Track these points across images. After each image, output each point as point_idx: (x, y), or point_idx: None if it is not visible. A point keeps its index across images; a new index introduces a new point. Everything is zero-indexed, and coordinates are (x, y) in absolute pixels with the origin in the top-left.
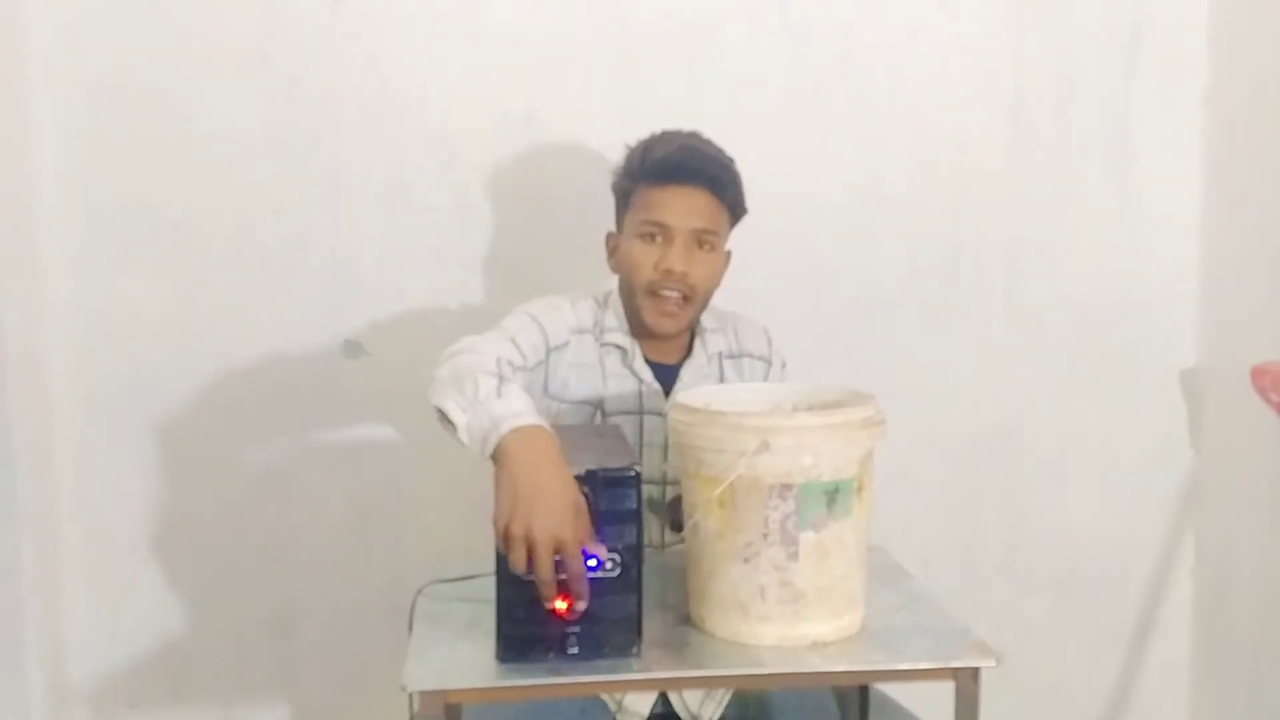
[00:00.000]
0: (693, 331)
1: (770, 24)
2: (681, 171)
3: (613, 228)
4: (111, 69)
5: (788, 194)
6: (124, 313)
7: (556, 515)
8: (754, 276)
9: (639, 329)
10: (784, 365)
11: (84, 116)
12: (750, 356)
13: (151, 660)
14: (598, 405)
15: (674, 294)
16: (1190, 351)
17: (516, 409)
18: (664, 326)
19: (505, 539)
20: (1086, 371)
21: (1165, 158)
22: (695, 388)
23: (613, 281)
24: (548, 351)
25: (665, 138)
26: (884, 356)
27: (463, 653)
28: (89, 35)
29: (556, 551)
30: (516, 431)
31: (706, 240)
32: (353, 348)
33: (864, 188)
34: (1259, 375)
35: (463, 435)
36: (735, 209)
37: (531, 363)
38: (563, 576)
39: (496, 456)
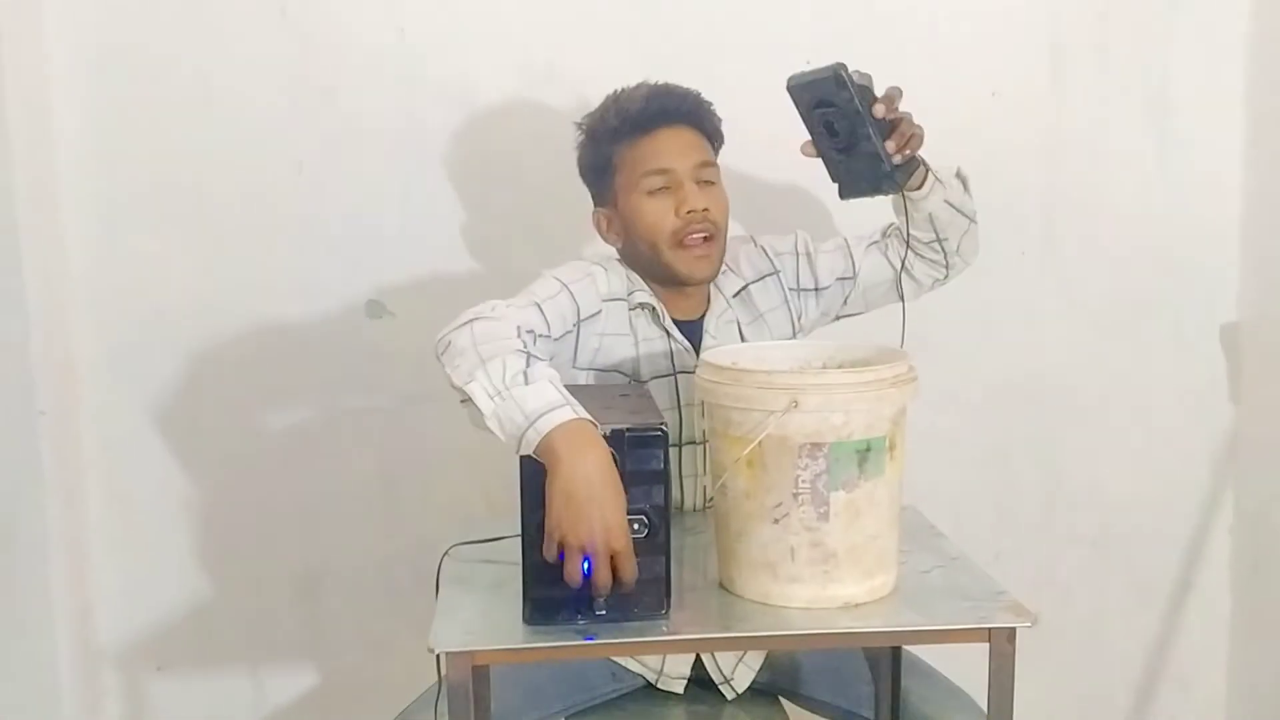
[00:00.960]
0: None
1: None
2: (663, 115)
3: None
4: (128, 25)
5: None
6: (145, 273)
7: (611, 523)
8: (785, 227)
9: (660, 288)
10: (808, 254)
11: (101, 75)
12: (752, 283)
13: (178, 622)
14: (630, 373)
15: (700, 235)
16: (1231, 305)
17: (550, 399)
18: (701, 271)
19: (562, 547)
20: (1125, 324)
21: (1207, 102)
22: (722, 345)
23: None
24: (578, 322)
25: (626, 94)
26: (917, 311)
27: (490, 615)
28: None
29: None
30: (561, 429)
31: (707, 176)
32: (375, 308)
33: None
34: None
35: (490, 423)
36: (715, 139)
37: (557, 333)
38: None
39: (540, 454)
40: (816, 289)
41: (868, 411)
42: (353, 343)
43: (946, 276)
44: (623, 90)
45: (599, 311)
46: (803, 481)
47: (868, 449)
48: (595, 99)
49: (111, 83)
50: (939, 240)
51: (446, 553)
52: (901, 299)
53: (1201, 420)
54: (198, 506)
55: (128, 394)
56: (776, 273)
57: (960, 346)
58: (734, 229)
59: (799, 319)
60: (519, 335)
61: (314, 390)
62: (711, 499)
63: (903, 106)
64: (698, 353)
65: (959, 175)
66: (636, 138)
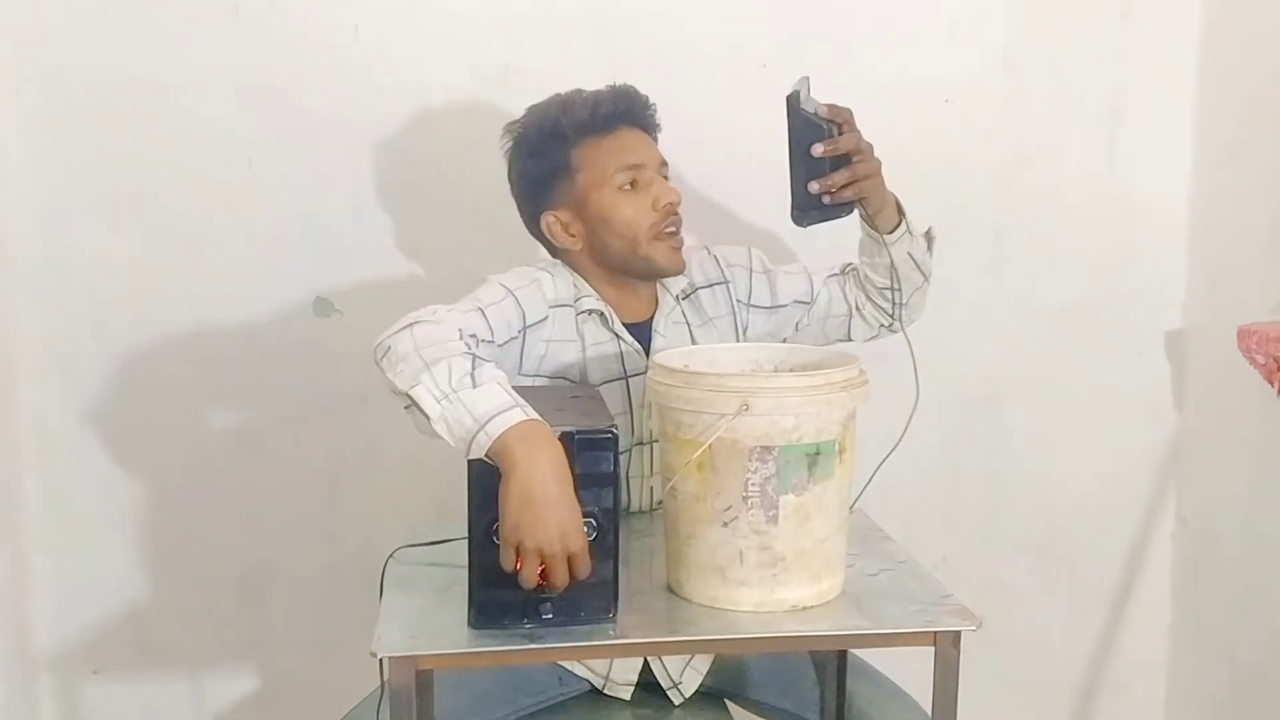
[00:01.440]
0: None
1: None
2: (626, 115)
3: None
4: (75, 14)
5: (770, 148)
6: (89, 269)
7: (568, 525)
8: (737, 233)
9: (609, 290)
10: (767, 271)
11: (46, 66)
12: (703, 287)
13: (118, 626)
14: (578, 378)
15: (674, 226)
16: (1176, 313)
17: (500, 401)
18: (678, 262)
19: (518, 551)
20: (1072, 331)
21: (1157, 114)
22: (671, 344)
23: None
24: (523, 329)
25: (574, 97)
26: None
27: (434, 618)
28: None
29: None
30: (514, 430)
31: (665, 172)
32: (324, 306)
33: None
34: (1245, 336)
35: (437, 428)
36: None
37: (501, 339)
38: None
39: (493, 457)
40: (772, 307)
41: (818, 415)
42: (300, 342)
43: (890, 326)
44: (566, 94)
45: (545, 318)
46: (752, 485)
47: (817, 453)
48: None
49: (56, 79)
50: (893, 289)
51: (392, 555)
52: (849, 338)
53: (1146, 427)
54: (139, 508)
55: (68, 395)
56: (726, 283)
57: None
58: (686, 236)
59: (744, 332)
60: (461, 338)
61: (260, 390)
62: (660, 503)
63: (856, 109)
64: (648, 354)
65: (927, 234)
66: (601, 136)
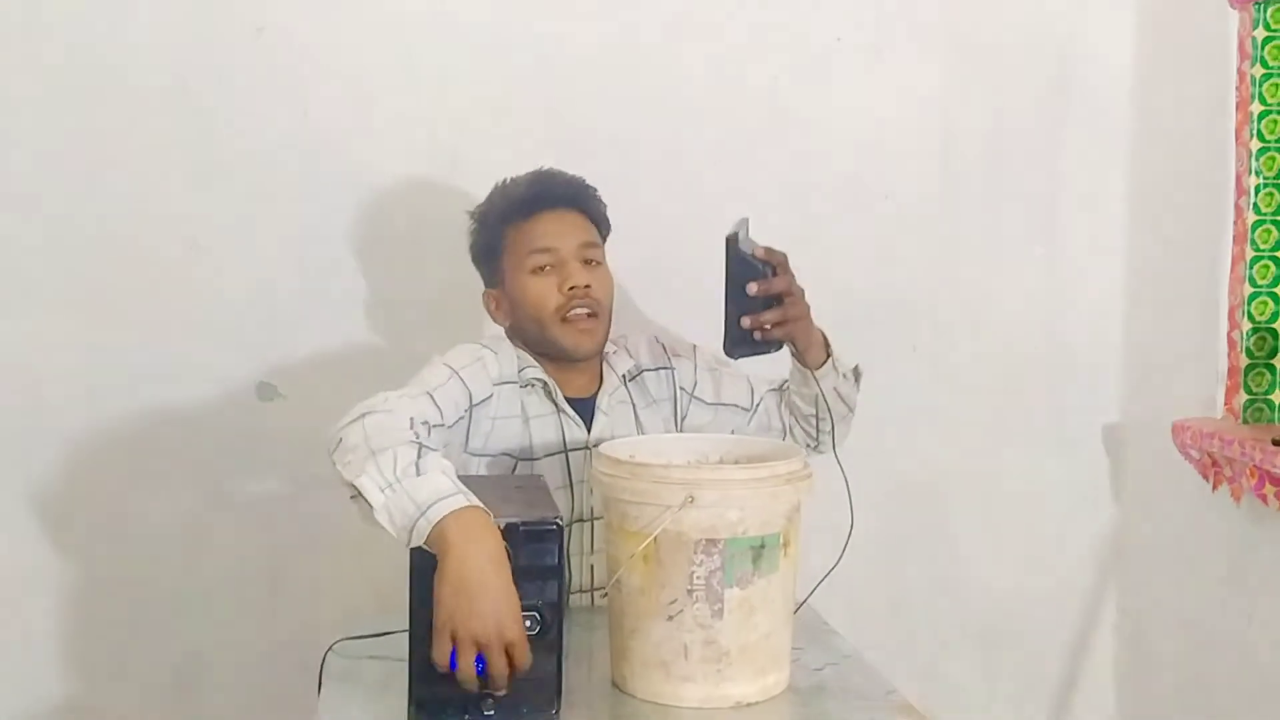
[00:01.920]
0: (601, 359)
1: (700, 71)
2: (550, 197)
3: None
4: (20, 88)
5: (716, 241)
6: (26, 353)
7: (504, 613)
8: (677, 328)
9: (550, 365)
10: (712, 369)
11: None
12: (648, 370)
13: (50, 716)
14: (521, 455)
15: (584, 310)
16: (1113, 406)
17: (442, 487)
18: (584, 346)
19: (453, 640)
20: (1010, 425)
21: (1091, 211)
22: (611, 428)
23: None
24: (470, 408)
25: (512, 181)
26: None
27: (374, 713)
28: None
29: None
30: (454, 517)
31: (592, 256)
32: (267, 390)
33: (791, 238)
34: (1180, 431)
35: (379, 517)
36: (602, 224)
37: (450, 420)
38: None
39: (431, 544)
40: (714, 404)
41: (763, 508)
42: (242, 426)
43: (816, 448)
44: (510, 178)
45: (490, 395)
46: (697, 578)
47: (762, 546)
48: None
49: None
50: (818, 418)
51: (331, 648)
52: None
53: (1085, 519)
54: (71, 594)
55: (2, 476)
56: (671, 369)
57: (851, 443)
58: (643, 318)
59: (682, 420)
60: (412, 427)
61: (200, 474)
62: (600, 587)
63: (799, 205)
64: (589, 429)
65: (854, 371)
66: (521, 220)
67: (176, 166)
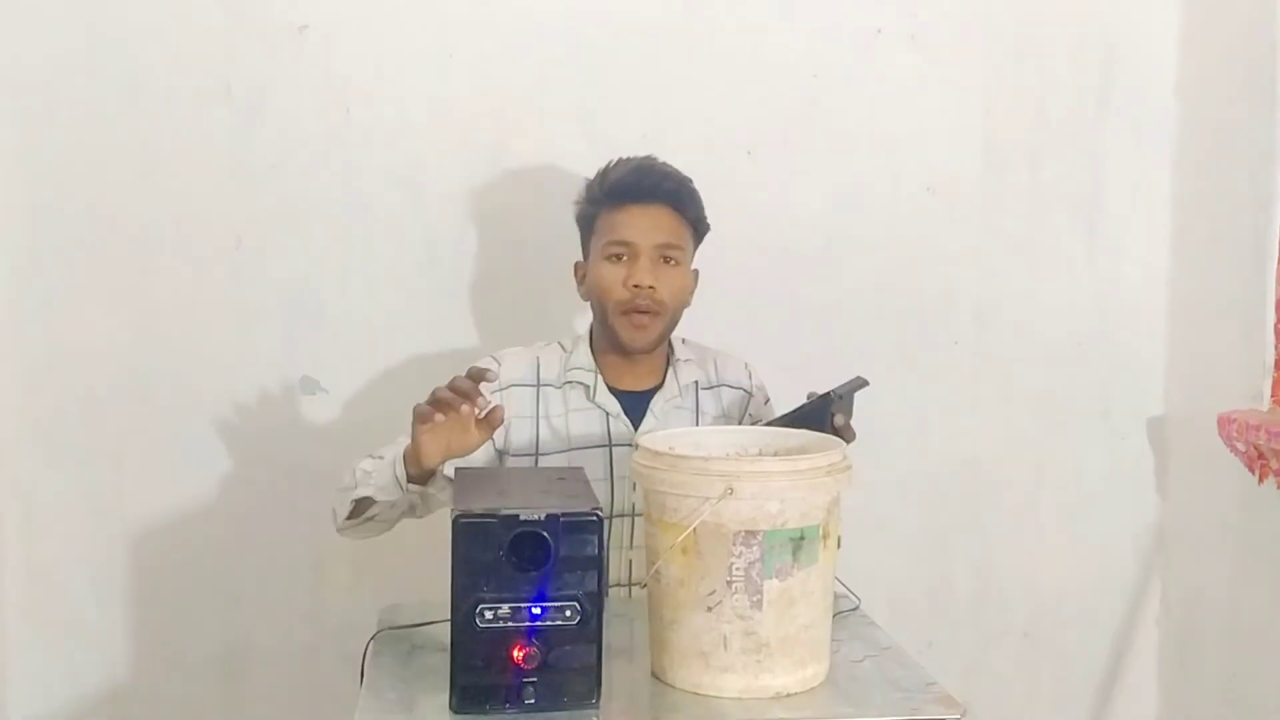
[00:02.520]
0: (668, 360)
1: (740, 62)
2: (640, 190)
3: (580, 258)
4: (69, 94)
5: (757, 235)
6: (76, 347)
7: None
8: (722, 317)
9: (612, 356)
10: (767, 401)
11: (39, 145)
12: (729, 386)
13: (97, 703)
14: (545, 452)
15: (644, 307)
16: (1158, 399)
17: (385, 455)
18: (638, 341)
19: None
20: (1054, 417)
21: (1135, 203)
22: (659, 430)
23: (582, 315)
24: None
25: (622, 162)
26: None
27: (416, 702)
28: (48, 62)
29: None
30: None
31: (671, 256)
32: (310, 384)
33: (833, 229)
34: (1225, 424)
35: (378, 495)
36: (697, 225)
37: None
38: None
39: (411, 459)
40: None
41: (802, 500)
42: (286, 420)
43: None
44: (619, 159)
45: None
46: (736, 569)
47: (801, 537)
48: (542, 183)
49: (48, 151)
50: None
51: (373, 637)
52: None
53: (1129, 512)
54: (121, 584)
55: (52, 469)
56: (749, 394)
57: (895, 436)
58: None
59: None
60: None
61: (244, 467)
62: (640, 583)
63: (841, 198)
64: (635, 426)
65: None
66: (613, 206)
67: (221, 165)
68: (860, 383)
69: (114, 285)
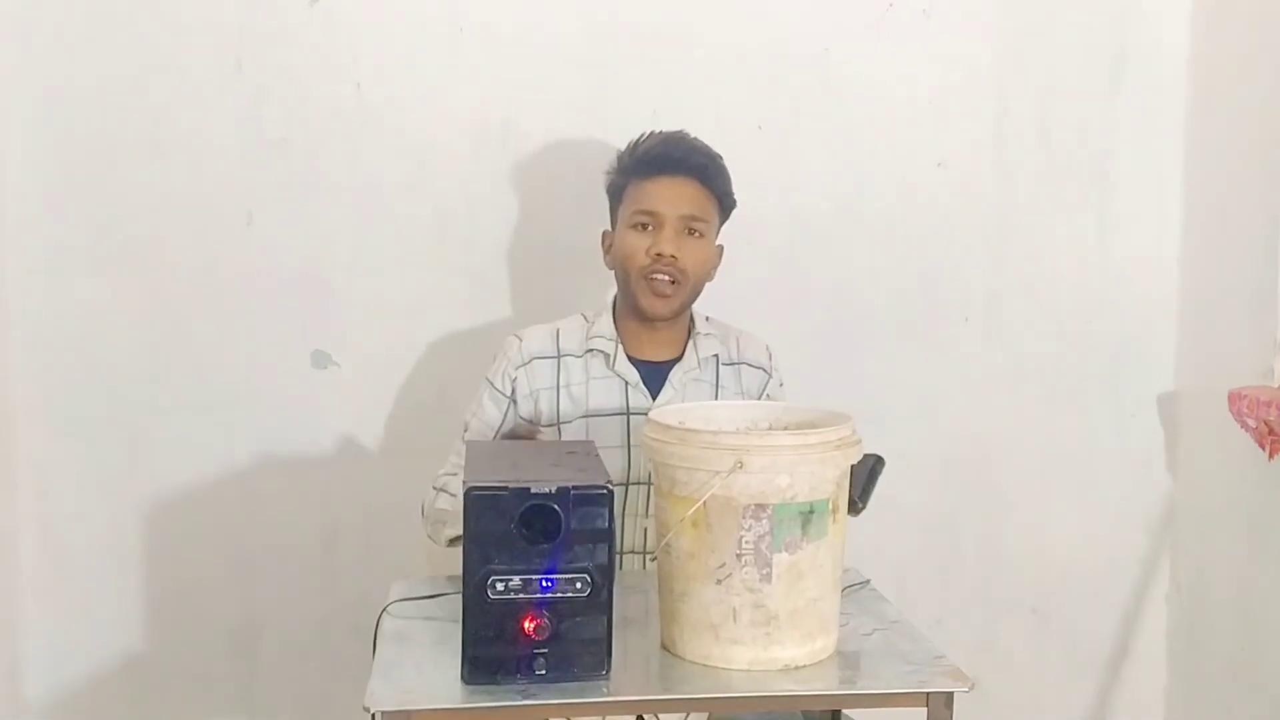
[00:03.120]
0: (689, 332)
1: (751, 39)
2: (668, 161)
3: (607, 227)
4: (80, 72)
5: (767, 211)
6: (89, 322)
7: None
8: (732, 294)
9: (633, 324)
10: (781, 385)
11: (52, 122)
12: (749, 365)
13: (110, 677)
14: (567, 418)
15: (665, 276)
16: (1168, 376)
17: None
18: (657, 308)
19: None
20: (1064, 394)
21: (1146, 181)
22: (677, 402)
23: (589, 292)
24: (510, 401)
25: (653, 134)
26: (862, 376)
27: (428, 673)
28: (58, 39)
29: None
30: None
31: (696, 228)
32: (321, 358)
33: (844, 206)
34: (1236, 400)
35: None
36: (724, 199)
37: (496, 422)
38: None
39: None
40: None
41: (812, 474)
42: (297, 394)
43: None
44: (650, 132)
45: (515, 378)
46: (746, 542)
47: (811, 511)
48: (550, 158)
49: (61, 130)
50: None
51: (385, 609)
52: None
53: (1139, 489)
54: (134, 559)
55: (65, 444)
56: (768, 375)
57: (904, 413)
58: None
59: None
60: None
61: (256, 440)
62: (652, 553)
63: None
64: (654, 396)
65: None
66: (642, 176)
67: (232, 140)
68: (879, 461)
69: (125, 260)
